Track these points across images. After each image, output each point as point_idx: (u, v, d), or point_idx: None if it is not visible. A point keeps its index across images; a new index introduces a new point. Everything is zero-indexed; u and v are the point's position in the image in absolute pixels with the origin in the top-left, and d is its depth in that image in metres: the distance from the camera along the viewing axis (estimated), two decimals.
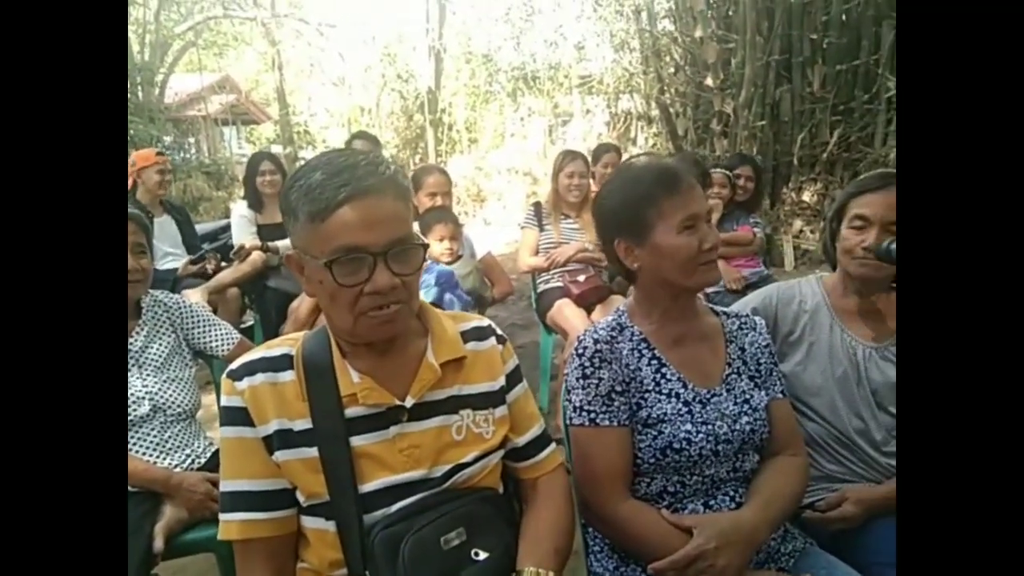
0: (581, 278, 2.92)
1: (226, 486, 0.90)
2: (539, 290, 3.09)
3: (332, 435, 0.88)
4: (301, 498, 0.89)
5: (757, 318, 1.27)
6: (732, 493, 1.13)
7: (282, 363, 0.92)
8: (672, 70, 6.62)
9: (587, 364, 1.10)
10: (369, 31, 10.67)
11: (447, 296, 1.95)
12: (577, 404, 1.10)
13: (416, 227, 2.23)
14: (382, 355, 0.93)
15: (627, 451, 1.10)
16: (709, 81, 5.94)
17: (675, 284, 1.13)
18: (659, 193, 1.10)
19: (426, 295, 1.91)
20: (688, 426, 1.09)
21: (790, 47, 5.57)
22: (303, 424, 0.89)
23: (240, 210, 3.51)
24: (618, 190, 1.17)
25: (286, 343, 0.96)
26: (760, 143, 5.71)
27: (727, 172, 3.32)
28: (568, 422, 1.13)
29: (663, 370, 1.13)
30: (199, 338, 1.72)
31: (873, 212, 1.30)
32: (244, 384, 0.90)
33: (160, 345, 1.64)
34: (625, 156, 7.70)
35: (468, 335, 1.02)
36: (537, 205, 3.20)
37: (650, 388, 1.12)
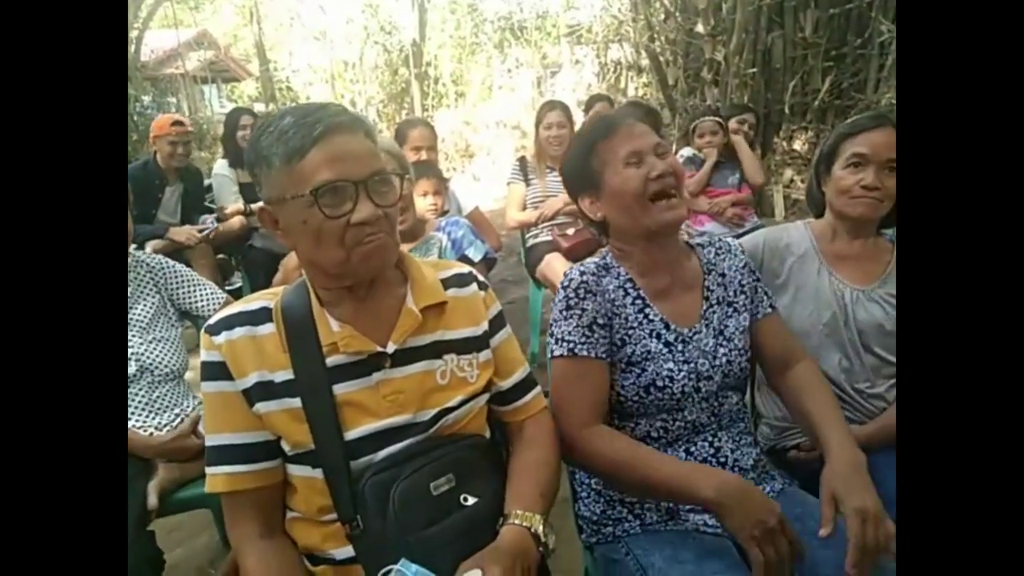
0: (570, 231, 2.90)
1: (210, 440, 0.91)
2: (528, 244, 3.08)
3: (314, 385, 0.89)
4: (286, 447, 0.90)
5: (731, 240, 1.27)
6: (711, 439, 1.15)
7: (261, 316, 0.92)
8: (662, 17, 6.45)
9: (571, 296, 1.11)
10: None
11: (489, 250, 1.99)
12: (559, 335, 1.11)
13: None
14: (362, 302, 0.93)
15: (603, 384, 1.11)
16: (700, 28, 5.80)
17: (636, 226, 1.13)
18: (598, 139, 1.14)
19: (477, 252, 1.94)
20: (670, 364, 1.11)
21: None
22: (285, 375, 0.89)
23: (221, 169, 3.45)
24: (571, 150, 1.22)
25: (264, 296, 0.96)
26: (751, 91, 5.61)
27: (718, 119, 3.27)
28: (549, 355, 1.14)
29: (646, 310, 1.14)
30: (184, 298, 1.71)
31: (872, 150, 1.29)
32: (222, 338, 0.90)
33: (144, 306, 1.63)
34: (617, 107, 7.57)
35: (449, 282, 1.02)
36: (522, 160, 3.17)
37: (634, 326, 1.13)
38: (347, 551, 0.89)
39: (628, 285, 1.15)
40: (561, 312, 1.12)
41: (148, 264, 1.69)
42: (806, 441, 1.31)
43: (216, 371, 0.90)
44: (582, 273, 1.13)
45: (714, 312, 1.17)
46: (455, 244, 1.96)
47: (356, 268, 0.89)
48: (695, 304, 1.17)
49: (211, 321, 0.92)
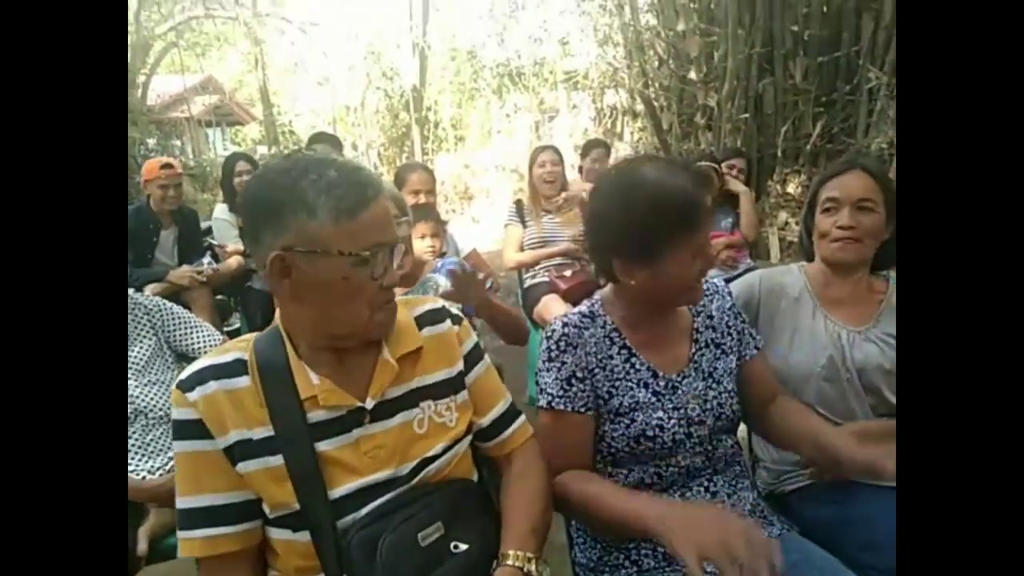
0: (568, 273, 2.93)
1: (184, 503, 0.86)
2: (525, 286, 3.10)
3: (296, 441, 0.86)
4: (267, 509, 0.86)
5: (718, 281, 1.28)
6: (707, 483, 1.14)
7: (235, 368, 0.89)
8: (656, 64, 6.64)
9: (552, 347, 1.11)
10: (352, 29, 10.58)
11: None
12: (542, 386, 1.12)
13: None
14: (341, 356, 0.92)
15: (581, 436, 1.11)
16: (692, 75, 5.96)
17: (669, 303, 1.15)
18: (677, 228, 1.02)
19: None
20: (660, 413, 1.10)
21: (772, 39, 5.59)
22: (264, 432, 0.86)
23: (221, 213, 3.48)
24: (622, 209, 1.05)
25: (237, 347, 0.92)
26: (744, 136, 5.74)
27: (714, 165, 3.33)
28: (537, 404, 1.14)
29: (632, 360, 1.13)
30: (181, 340, 1.72)
31: (843, 193, 1.35)
32: (196, 394, 0.86)
33: (141, 348, 1.64)
34: (613, 152, 7.72)
35: (423, 319, 1.01)
36: (519, 203, 3.24)
37: (620, 376, 1.12)
38: None
39: (614, 335, 1.15)
40: (544, 363, 1.12)
41: (145, 306, 1.70)
42: (807, 485, 1.30)
43: (192, 430, 0.86)
44: (564, 325, 1.13)
45: (703, 355, 1.17)
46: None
47: (371, 329, 0.91)
48: (683, 349, 1.17)
49: (182, 376, 0.88)
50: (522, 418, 1.10)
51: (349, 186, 0.83)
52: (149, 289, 2.97)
